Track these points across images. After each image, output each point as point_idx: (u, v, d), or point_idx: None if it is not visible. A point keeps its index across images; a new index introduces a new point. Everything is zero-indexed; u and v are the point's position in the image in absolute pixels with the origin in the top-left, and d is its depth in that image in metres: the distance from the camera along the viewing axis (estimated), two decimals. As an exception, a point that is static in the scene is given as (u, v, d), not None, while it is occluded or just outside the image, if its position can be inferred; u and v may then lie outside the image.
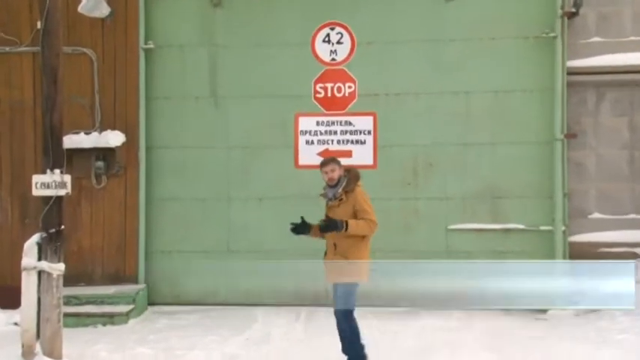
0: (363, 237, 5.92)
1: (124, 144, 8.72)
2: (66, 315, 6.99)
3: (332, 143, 8.70)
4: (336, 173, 6.00)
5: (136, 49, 8.80)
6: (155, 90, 8.95)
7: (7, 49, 8.73)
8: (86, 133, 8.66)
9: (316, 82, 8.76)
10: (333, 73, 8.76)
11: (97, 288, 8.54)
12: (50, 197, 6.58)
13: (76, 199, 8.62)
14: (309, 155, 8.67)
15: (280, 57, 8.87)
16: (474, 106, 8.71)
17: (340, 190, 5.96)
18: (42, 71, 6.70)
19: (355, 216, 5.88)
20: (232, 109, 8.96)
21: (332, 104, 8.74)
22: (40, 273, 6.48)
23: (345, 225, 5.78)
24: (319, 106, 8.78)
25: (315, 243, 6.30)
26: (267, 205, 8.87)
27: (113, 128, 8.76)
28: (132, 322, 8.04)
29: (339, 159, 6.26)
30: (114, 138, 8.67)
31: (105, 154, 8.72)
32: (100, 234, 8.83)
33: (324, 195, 6.11)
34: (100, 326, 7.87)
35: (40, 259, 6.44)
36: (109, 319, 7.92)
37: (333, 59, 8.76)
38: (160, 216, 8.97)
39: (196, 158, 8.97)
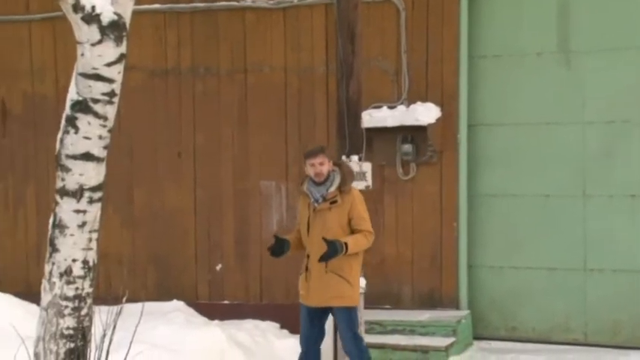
0: None
1: (438, 121, 8.73)
2: (368, 346, 7.15)
3: None
4: (326, 167, 6.27)
5: (456, -9, 8.81)
6: (480, 46, 8.89)
7: (296, 0, 9.20)
8: (390, 108, 8.82)
9: None
10: None
11: (407, 313, 8.68)
12: (348, 191, 6.76)
13: (377, 195, 8.79)
14: None
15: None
16: None
17: (333, 190, 6.22)
18: (337, 28, 6.92)
19: (349, 224, 6.23)
20: (591, 69, 8.59)
21: None
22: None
23: (344, 247, 6.10)
24: None
25: None
26: (643, 205, 8.47)
27: (424, 100, 8.81)
28: (452, 360, 8.10)
29: None
30: (425, 113, 8.70)
31: (414, 134, 8.81)
32: (408, 242, 8.97)
33: (306, 194, 6.36)
34: (410, 363, 8.03)
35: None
36: (423, 354, 7.99)
37: None
38: (486, 219, 8.96)
39: (536, 139, 8.81)
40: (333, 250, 6.07)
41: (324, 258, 6.12)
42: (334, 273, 6.26)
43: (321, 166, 6.27)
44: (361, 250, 6.38)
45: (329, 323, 6.75)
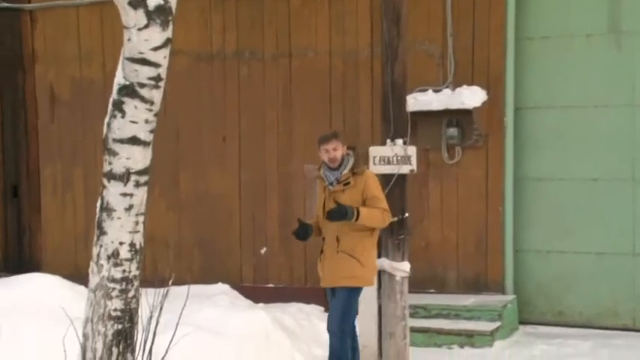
0: (372, 230, 6.37)
1: (484, 104, 8.67)
2: (412, 330, 7.17)
3: None
4: (339, 152, 6.38)
5: (504, -28, 8.71)
6: (528, 27, 8.81)
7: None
8: (435, 91, 8.77)
9: None
10: None
11: (451, 297, 8.68)
12: (391, 176, 6.83)
13: (422, 179, 8.79)
14: None
15: None
16: None
17: (347, 172, 6.35)
18: (382, 10, 6.88)
19: (363, 205, 6.28)
20: (642, 50, 8.48)
21: None
22: (379, 273, 6.78)
23: (356, 213, 6.11)
24: None
25: None
26: (695, 189, 8.34)
27: (470, 83, 8.76)
28: (498, 344, 8.04)
29: None
30: (471, 97, 8.64)
31: (459, 118, 8.75)
32: (453, 225, 8.96)
33: (321, 178, 6.50)
34: (455, 347, 8.00)
35: (379, 255, 6.71)
36: (467, 338, 7.99)
37: None
38: (533, 203, 8.92)
39: (584, 122, 8.71)
40: (343, 210, 6.15)
41: (331, 215, 6.20)
42: (345, 253, 6.30)
43: (335, 151, 6.37)
44: (376, 228, 6.40)
45: (365, 303, 6.77)
